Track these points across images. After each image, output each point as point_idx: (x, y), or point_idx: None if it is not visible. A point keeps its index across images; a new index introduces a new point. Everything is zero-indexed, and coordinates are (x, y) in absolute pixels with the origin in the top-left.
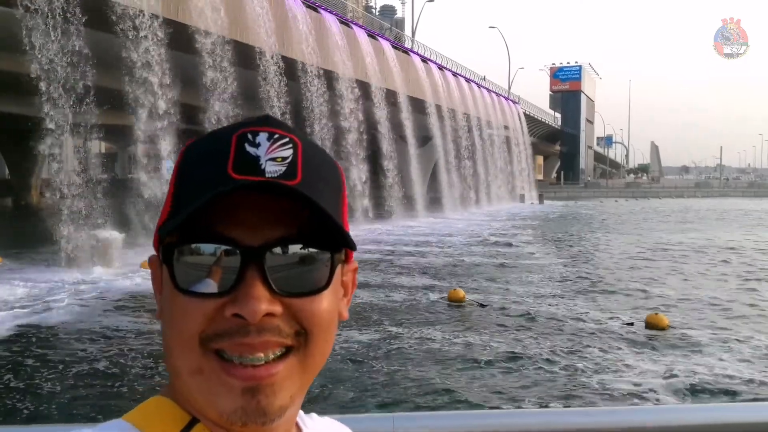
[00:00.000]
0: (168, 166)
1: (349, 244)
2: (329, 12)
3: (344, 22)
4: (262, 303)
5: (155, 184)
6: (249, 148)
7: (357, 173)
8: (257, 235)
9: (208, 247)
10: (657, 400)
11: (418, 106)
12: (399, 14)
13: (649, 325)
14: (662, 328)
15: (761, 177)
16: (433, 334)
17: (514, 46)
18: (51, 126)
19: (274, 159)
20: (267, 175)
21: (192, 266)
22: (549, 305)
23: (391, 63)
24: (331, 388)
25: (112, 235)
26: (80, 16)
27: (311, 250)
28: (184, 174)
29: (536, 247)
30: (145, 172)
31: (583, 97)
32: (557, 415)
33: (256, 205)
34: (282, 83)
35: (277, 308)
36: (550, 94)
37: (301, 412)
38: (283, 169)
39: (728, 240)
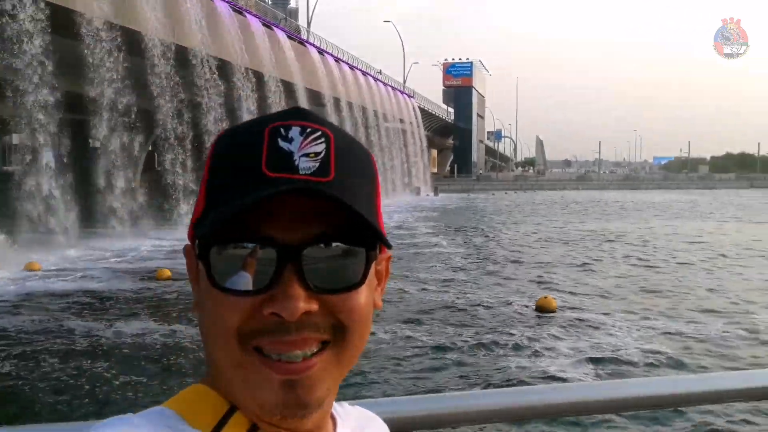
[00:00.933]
0: (47, 159)
1: (382, 241)
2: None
3: (237, 11)
4: (300, 302)
5: (32, 176)
6: (282, 143)
7: None
8: (293, 233)
9: (245, 246)
10: (565, 377)
11: (315, 98)
12: (292, 4)
13: (539, 308)
14: (551, 311)
15: (635, 170)
16: None
17: (409, 41)
18: None
19: (307, 155)
20: (301, 172)
21: (228, 263)
22: (449, 292)
23: (287, 54)
24: None
25: None
26: None
27: (346, 246)
28: (217, 168)
29: (439, 238)
30: (22, 165)
31: (474, 93)
32: (523, 393)
33: (291, 202)
34: (173, 72)
35: (314, 306)
36: (443, 89)
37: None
38: (317, 165)
39: (614, 228)
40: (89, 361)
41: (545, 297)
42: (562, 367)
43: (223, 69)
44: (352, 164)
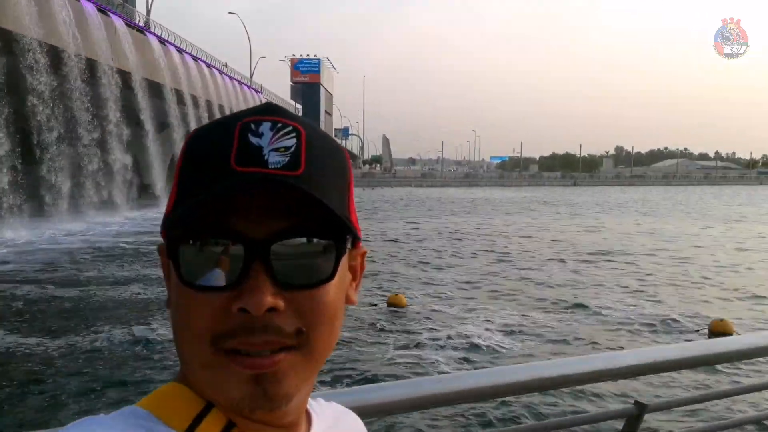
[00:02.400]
0: None
1: (352, 234)
2: None
3: None
4: (267, 296)
5: None
6: (252, 138)
7: (84, 161)
8: (261, 227)
9: (212, 241)
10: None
11: (155, 90)
12: None
13: (390, 303)
14: (402, 306)
15: (474, 168)
16: None
17: (258, 35)
18: None
19: (277, 149)
20: (270, 167)
21: (197, 259)
22: None
23: (124, 42)
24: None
25: None
26: None
27: (316, 241)
28: (188, 164)
29: None
30: None
31: (322, 90)
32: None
33: (260, 197)
34: None
35: (281, 302)
36: (291, 85)
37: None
38: (286, 159)
39: (458, 224)
40: None
41: (395, 294)
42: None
43: (53, 56)
44: (323, 159)
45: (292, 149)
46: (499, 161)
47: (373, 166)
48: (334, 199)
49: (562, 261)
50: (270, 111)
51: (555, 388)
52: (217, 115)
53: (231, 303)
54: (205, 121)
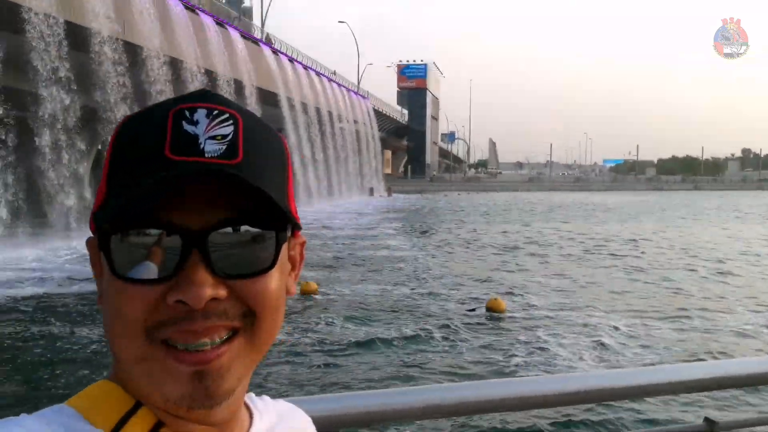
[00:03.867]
0: None
1: (292, 222)
2: None
3: (190, 8)
4: (206, 288)
5: None
6: (187, 126)
7: None
8: (198, 218)
9: (147, 233)
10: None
11: (268, 98)
12: (246, 3)
13: (489, 308)
14: (500, 312)
15: (585, 173)
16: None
17: (364, 42)
18: None
19: (213, 137)
20: (206, 156)
21: (130, 251)
22: (405, 291)
23: (240, 53)
24: None
25: None
26: None
27: (254, 230)
28: (118, 154)
29: (402, 240)
30: None
31: (428, 95)
32: (450, 390)
33: (196, 187)
34: (122, 69)
35: (222, 292)
36: (398, 91)
37: (252, 394)
38: (223, 148)
39: (569, 230)
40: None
41: (495, 299)
42: (509, 364)
43: (175, 67)
44: (261, 147)
45: (230, 137)
46: (612, 164)
47: (479, 170)
48: (273, 188)
49: (692, 269)
50: (205, 97)
51: (614, 400)
52: (326, 122)
53: (167, 295)
54: (314, 126)
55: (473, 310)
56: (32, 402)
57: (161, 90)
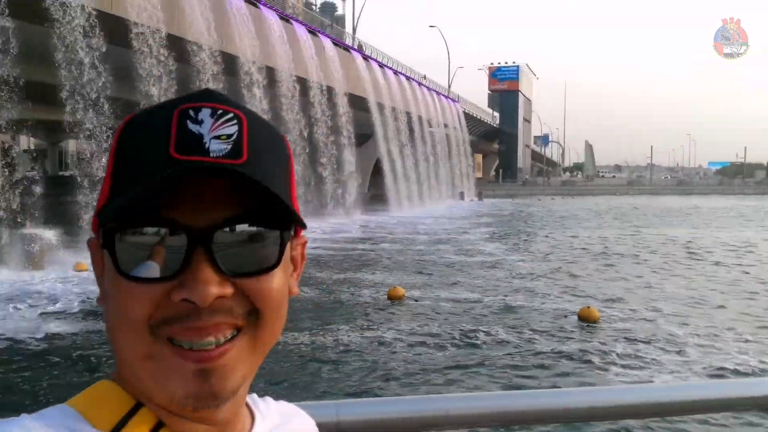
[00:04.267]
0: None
1: (297, 221)
2: (269, 7)
3: (284, 18)
4: (212, 286)
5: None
6: (191, 126)
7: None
8: (203, 216)
9: (152, 231)
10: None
11: (359, 103)
12: (339, 11)
13: (582, 317)
14: (594, 321)
15: (688, 176)
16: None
17: (454, 45)
18: None
19: (218, 137)
20: (211, 155)
21: (135, 250)
22: (495, 298)
23: (331, 60)
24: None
25: (42, 233)
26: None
27: (259, 228)
28: (123, 153)
29: (494, 245)
30: (79, 169)
31: (520, 97)
32: (505, 398)
33: (202, 186)
34: (221, 79)
35: (228, 290)
36: (489, 93)
37: (254, 395)
38: (228, 147)
39: (676, 236)
40: None
41: (587, 307)
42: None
43: (269, 75)
44: (265, 146)
45: (234, 137)
46: (718, 167)
47: (574, 173)
48: (277, 186)
49: None
50: (209, 97)
51: (670, 415)
52: (416, 126)
53: (172, 293)
54: (404, 131)
55: (565, 317)
56: None
57: (255, 95)
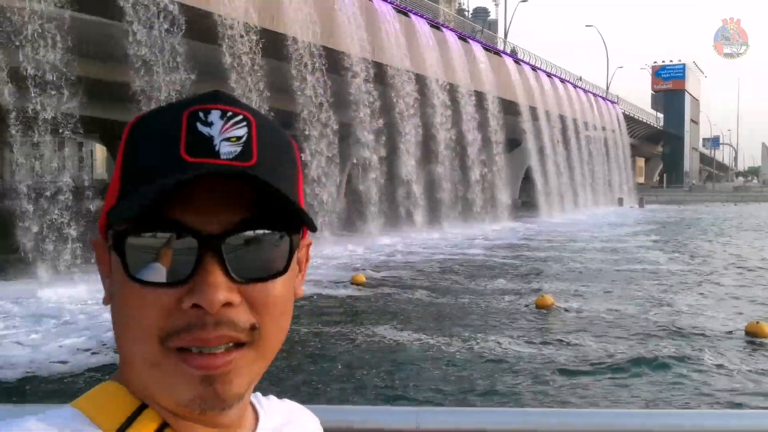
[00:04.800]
0: None
1: (307, 224)
2: (419, 16)
3: (434, 26)
4: (221, 291)
5: None
6: (201, 128)
7: (445, 177)
8: (214, 221)
9: (162, 235)
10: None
11: (509, 108)
12: (492, 16)
13: (750, 333)
14: (764, 337)
15: None
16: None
17: (613, 45)
18: None
19: (228, 139)
20: (222, 157)
21: (145, 253)
22: (660, 312)
23: (481, 65)
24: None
25: None
26: (181, 27)
27: (270, 232)
28: (132, 154)
29: (655, 254)
30: None
31: (687, 97)
32: (590, 416)
33: (212, 189)
34: (372, 88)
35: (236, 297)
36: (652, 94)
37: (258, 393)
38: (239, 149)
39: None
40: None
41: (757, 322)
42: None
43: (420, 83)
44: (274, 148)
45: (244, 139)
46: None
47: (749, 178)
48: (287, 189)
49: None
50: (218, 98)
51: None
52: (570, 130)
53: (183, 298)
54: (557, 135)
55: (730, 333)
56: None
57: (409, 103)
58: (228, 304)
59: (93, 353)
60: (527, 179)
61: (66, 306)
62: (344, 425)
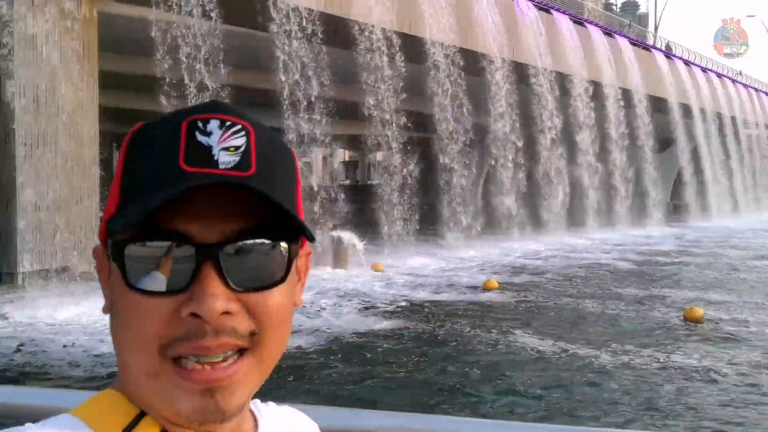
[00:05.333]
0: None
1: (305, 234)
2: (562, 12)
3: (577, 22)
4: (219, 300)
5: (387, 190)
6: (200, 137)
7: (590, 179)
8: (212, 230)
9: (161, 245)
10: None
11: (660, 106)
12: (642, 9)
13: None
14: None
15: None
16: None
17: None
18: (291, 137)
19: (226, 149)
20: (220, 167)
21: (144, 264)
22: None
23: (628, 61)
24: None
25: (348, 236)
26: (321, 35)
27: (268, 242)
28: (131, 164)
29: None
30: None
31: None
32: None
33: (210, 198)
34: (511, 88)
35: (234, 306)
36: None
37: (257, 400)
38: (237, 159)
39: None
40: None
41: None
42: None
43: (561, 81)
44: (273, 158)
45: (242, 148)
46: None
47: None
48: (285, 198)
49: None
50: (216, 108)
51: None
52: (728, 127)
53: (181, 307)
54: (714, 133)
55: None
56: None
57: (548, 105)
58: (226, 313)
59: None
60: (679, 181)
61: None
62: (343, 428)
